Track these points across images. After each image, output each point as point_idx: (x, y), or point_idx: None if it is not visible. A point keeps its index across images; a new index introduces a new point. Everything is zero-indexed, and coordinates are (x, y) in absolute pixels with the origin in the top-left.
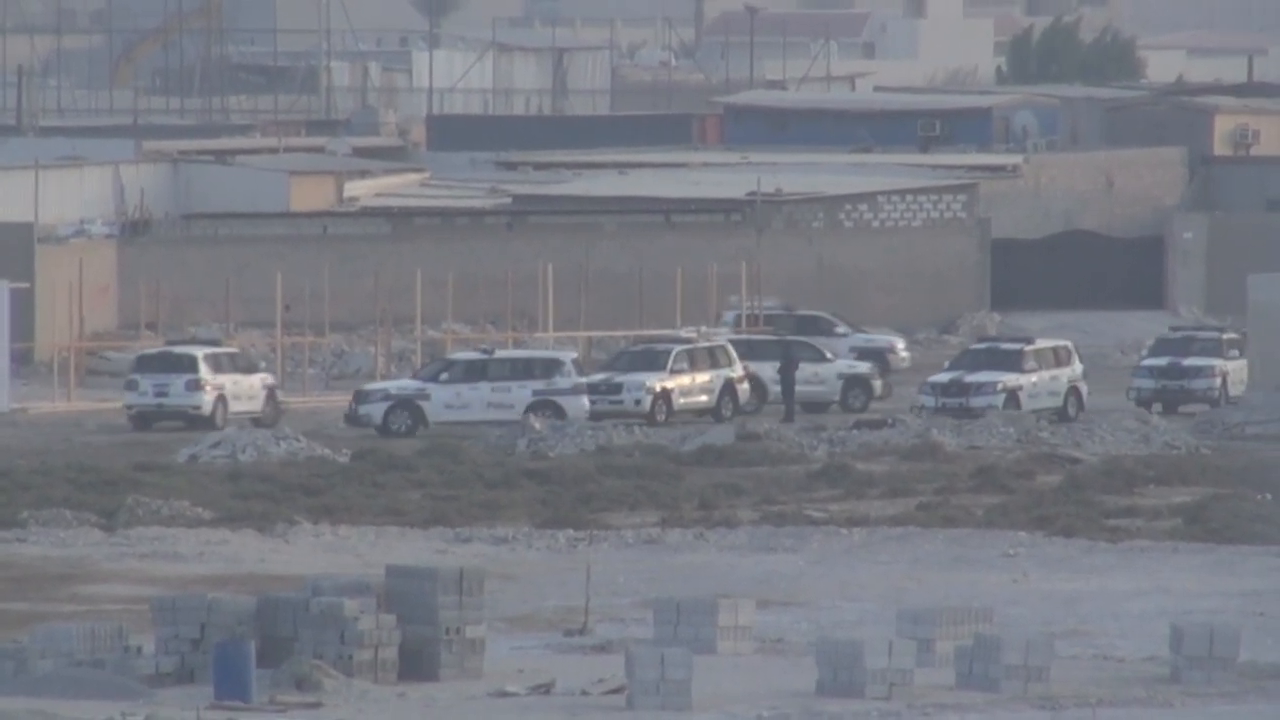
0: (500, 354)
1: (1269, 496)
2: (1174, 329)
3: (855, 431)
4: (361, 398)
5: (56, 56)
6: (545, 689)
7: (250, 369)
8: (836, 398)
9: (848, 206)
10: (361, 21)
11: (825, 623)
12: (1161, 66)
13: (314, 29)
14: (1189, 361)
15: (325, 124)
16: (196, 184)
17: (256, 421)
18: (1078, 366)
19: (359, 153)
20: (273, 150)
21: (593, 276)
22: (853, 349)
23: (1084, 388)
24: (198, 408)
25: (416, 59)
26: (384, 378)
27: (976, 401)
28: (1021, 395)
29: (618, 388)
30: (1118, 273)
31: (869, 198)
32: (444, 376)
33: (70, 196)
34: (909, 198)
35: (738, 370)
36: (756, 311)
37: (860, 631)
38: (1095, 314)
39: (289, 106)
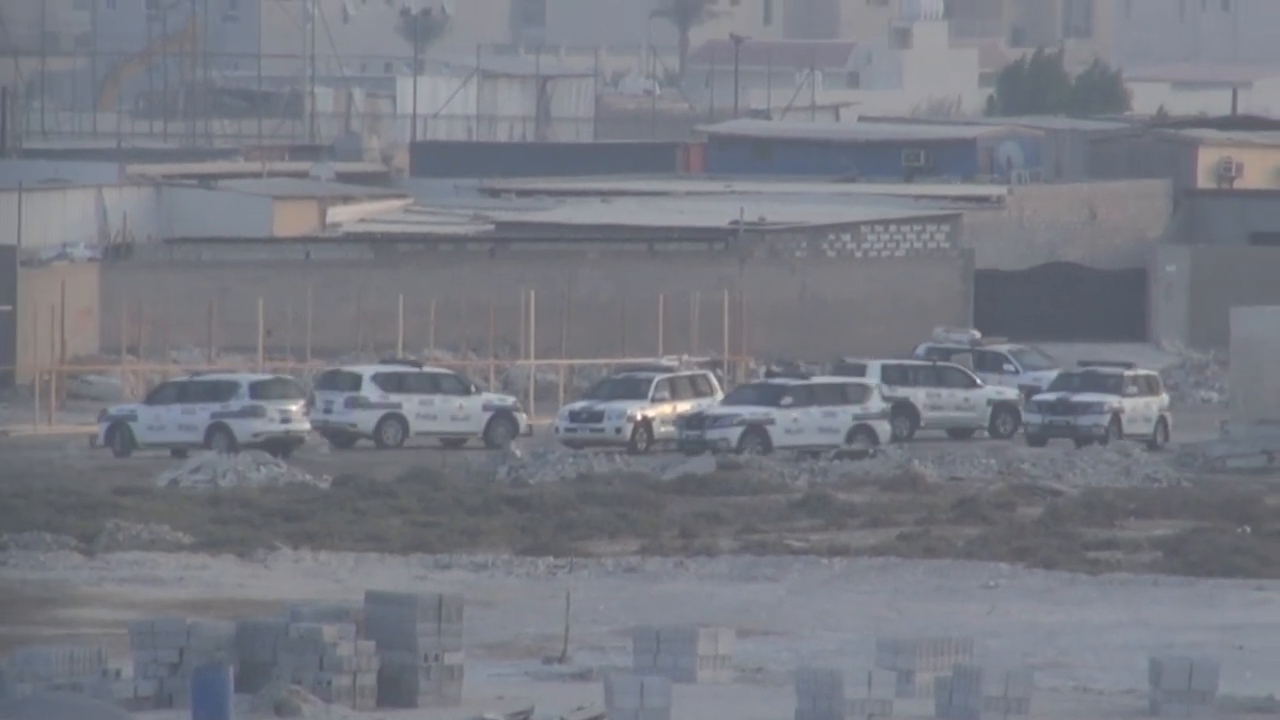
0: (203, 377)
1: (1249, 530)
2: (1082, 364)
3: (836, 462)
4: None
5: (40, 79)
6: (524, 716)
7: (462, 391)
8: (985, 423)
9: (831, 236)
10: (346, 47)
11: (805, 652)
12: (1146, 99)
13: (298, 54)
14: (1078, 398)
15: (309, 149)
16: (180, 208)
17: (487, 441)
18: (875, 404)
19: (342, 178)
20: (256, 175)
21: (575, 304)
22: (1020, 386)
23: (881, 426)
24: (354, 425)
25: (401, 85)
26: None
27: (712, 434)
28: (772, 431)
29: (599, 416)
30: (1101, 305)
31: (852, 227)
32: (145, 400)
33: (53, 219)
34: (892, 228)
35: (719, 399)
36: (949, 346)
37: (840, 661)
38: (1078, 346)
39: (273, 131)
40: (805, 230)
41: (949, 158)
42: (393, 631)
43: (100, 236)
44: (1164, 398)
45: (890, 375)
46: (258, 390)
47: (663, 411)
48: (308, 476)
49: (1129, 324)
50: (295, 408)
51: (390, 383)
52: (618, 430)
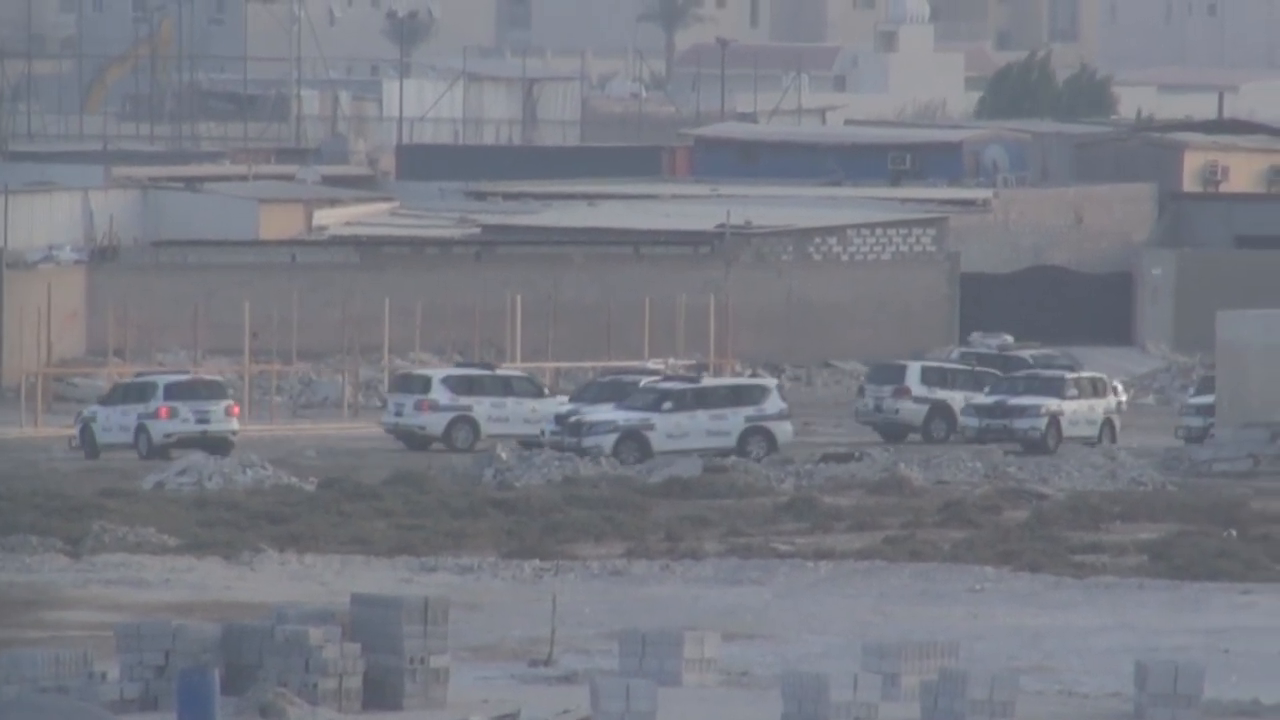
0: (136, 379)
1: (1234, 533)
2: (1026, 367)
3: (822, 465)
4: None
5: (27, 82)
6: (509, 719)
7: (535, 394)
8: None
9: (817, 239)
10: (332, 50)
11: (791, 656)
12: (1133, 103)
13: (285, 57)
14: (1015, 400)
15: (295, 152)
16: (166, 211)
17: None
18: (774, 405)
19: (328, 181)
20: (242, 178)
21: (561, 307)
22: None
23: (780, 428)
24: (423, 428)
25: (387, 88)
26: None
27: (587, 441)
28: (652, 436)
29: None
30: (1087, 308)
31: (838, 231)
32: (101, 401)
33: (39, 222)
34: (878, 231)
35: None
36: (980, 350)
37: (826, 665)
38: (1064, 349)
39: (259, 134)
40: (791, 233)
41: (935, 161)
42: (378, 634)
43: (86, 239)
44: (1111, 400)
45: (929, 377)
46: (173, 391)
47: None
48: (294, 479)
49: (1114, 327)
50: (216, 408)
51: (461, 385)
52: None
